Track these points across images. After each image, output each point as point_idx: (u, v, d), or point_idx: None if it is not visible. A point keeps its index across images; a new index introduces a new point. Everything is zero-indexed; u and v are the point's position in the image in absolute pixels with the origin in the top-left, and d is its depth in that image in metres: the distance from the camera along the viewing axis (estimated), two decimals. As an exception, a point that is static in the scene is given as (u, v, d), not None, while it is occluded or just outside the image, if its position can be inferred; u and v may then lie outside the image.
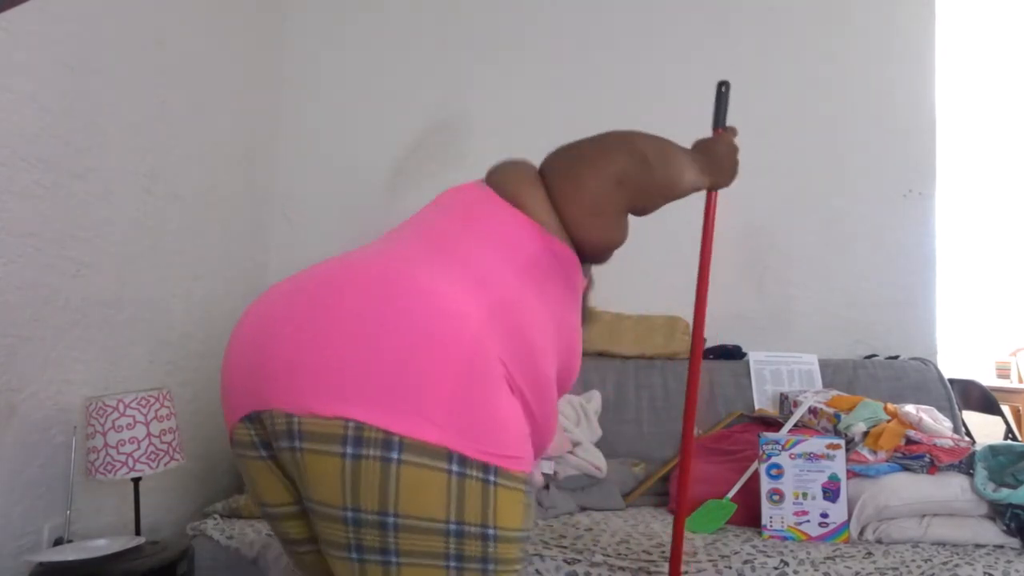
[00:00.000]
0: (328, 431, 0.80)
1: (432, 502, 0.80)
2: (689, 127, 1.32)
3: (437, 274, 0.92)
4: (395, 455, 0.79)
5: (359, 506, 0.80)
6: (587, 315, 1.25)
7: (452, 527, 0.81)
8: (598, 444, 2.18)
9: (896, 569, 1.55)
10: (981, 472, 1.78)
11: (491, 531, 0.83)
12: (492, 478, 0.83)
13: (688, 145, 1.23)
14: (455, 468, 0.81)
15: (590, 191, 1.06)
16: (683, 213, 1.45)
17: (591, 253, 1.11)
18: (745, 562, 1.56)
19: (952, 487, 1.77)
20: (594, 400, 2.30)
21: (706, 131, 1.30)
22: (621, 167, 1.06)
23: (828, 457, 1.79)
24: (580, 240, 1.07)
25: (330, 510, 0.82)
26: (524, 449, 0.89)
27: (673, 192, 1.15)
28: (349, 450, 0.80)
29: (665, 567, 1.53)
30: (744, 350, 2.53)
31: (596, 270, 1.24)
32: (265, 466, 0.92)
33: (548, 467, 2.01)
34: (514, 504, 0.86)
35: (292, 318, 0.87)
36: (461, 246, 1.00)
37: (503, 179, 1.11)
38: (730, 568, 1.55)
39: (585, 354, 1.13)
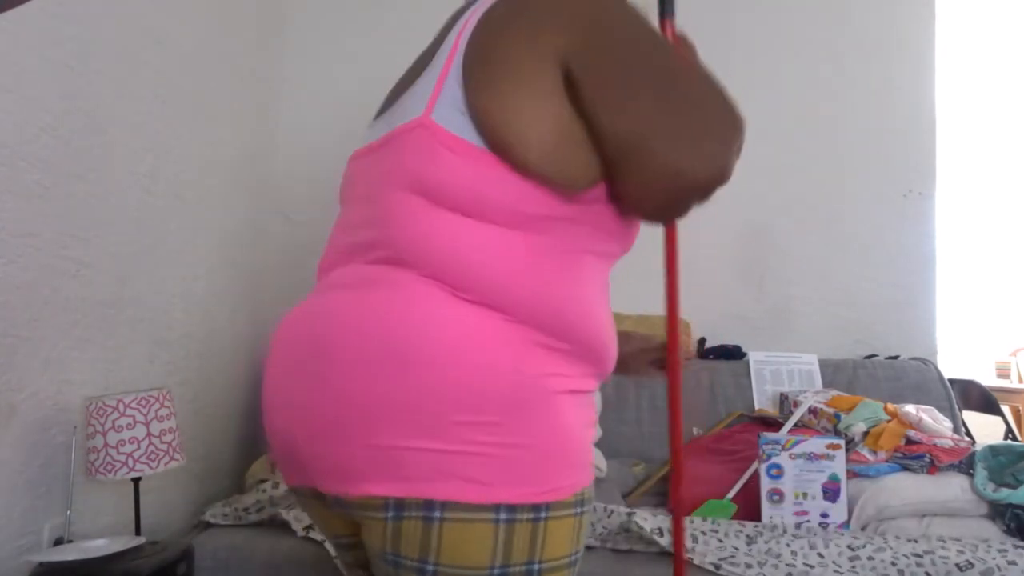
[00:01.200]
0: (368, 503, 0.79)
1: (476, 552, 0.78)
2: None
3: (442, 310, 0.80)
4: (437, 514, 0.77)
5: (399, 553, 0.79)
6: None
7: (496, 571, 0.78)
8: (598, 444, 2.17)
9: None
10: (981, 472, 1.78)
11: (536, 566, 0.80)
12: (544, 514, 0.79)
13: None
14: (503, 516, 0.77)
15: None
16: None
17: None
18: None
19: (952, 487, 1.78)
20: (595, 400, 2.30)
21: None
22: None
23: (828, 457, 1.79)
24: None
25: (374, 553, 0.82)
26: (577, 470, 0.82)
27: None
28: (391, 514, 0.78)
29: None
30: (744, 350, 2.53)
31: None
32: (326, 509, 0.90)
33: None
34: (565, 531, 0.81)
35: (298, 398, 0.83)
36: (449, 250, 0.82)
37: (490, 110, 0.81)
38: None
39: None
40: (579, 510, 0.83)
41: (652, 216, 0.89)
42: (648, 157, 0.78)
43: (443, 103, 0.83)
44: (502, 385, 0.78)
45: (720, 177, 0.80)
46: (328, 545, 1.64)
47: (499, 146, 0.80)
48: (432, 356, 0.77)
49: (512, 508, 0.78)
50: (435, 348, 0.78)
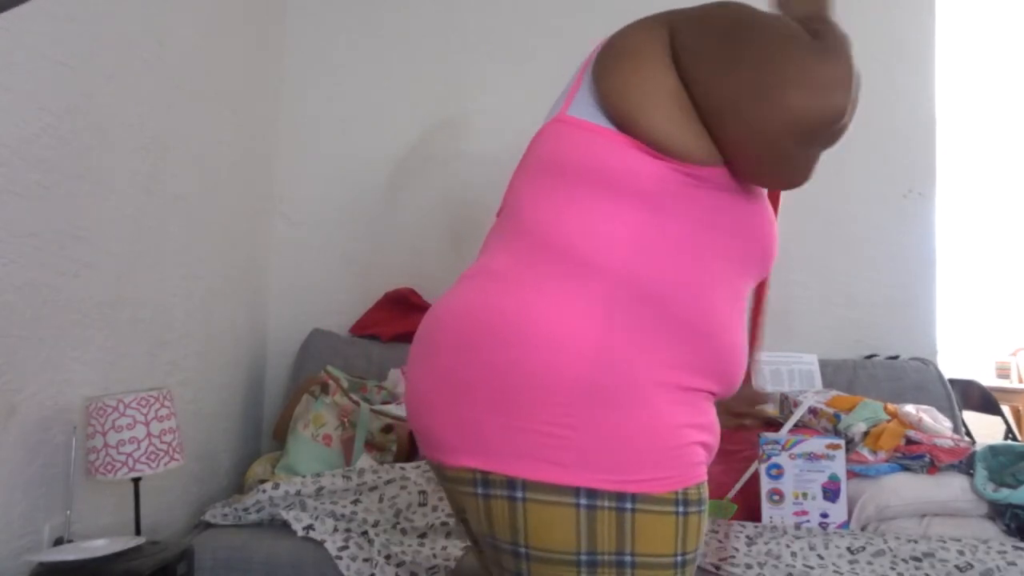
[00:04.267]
0: (461, 476, 0.85)
1: (560, 535, 0.80)
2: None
3: (532, 289, 0.84)
4: (520, 494, 0.80)
5: (495, 535, 0.84)
6: None
7: (583, 557, 0.80)
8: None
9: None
10: (981, 472, 1.79)
11: (628, 558, 0.80)
12: (629, 505, 0.79)
13: None
14: (584, 501, 0.79)
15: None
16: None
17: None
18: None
19: (952, 487, 1.78)
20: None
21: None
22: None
23: (828, 457, 1.79)
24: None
25: (479, 537, 0.87)
26: (673, 465, 0.81)
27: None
28: (480, 491, 0.83)
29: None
30: (744, 350, 2.52)
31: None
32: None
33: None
34: (659, 528, 0.80)
35: (411, 375, 0.92)
36: (554, 224, 0.87)
37: (614, 88, 0.87)
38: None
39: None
40: (682, 510, 0.81)
41: (759, 172, 0.86)
42: (731, 119, 0.81)
43: (577, 101, 0.91)
44: (586, 370, 0.79)
45: (799, 119, 0.77)
46: (328, 545, 1.64)
47: (621, 118, 0.85)
48: (520, 338, 0.81)
49: (593, 493, 0.79)
50: (524, 330, 0.81)
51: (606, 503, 0.79)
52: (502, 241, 0.92)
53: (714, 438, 0.89)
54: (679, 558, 0.82)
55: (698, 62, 0.83)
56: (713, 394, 0.90)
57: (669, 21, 0.87)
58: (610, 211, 0.85)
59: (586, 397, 0.79)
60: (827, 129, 0.79)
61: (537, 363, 0.80)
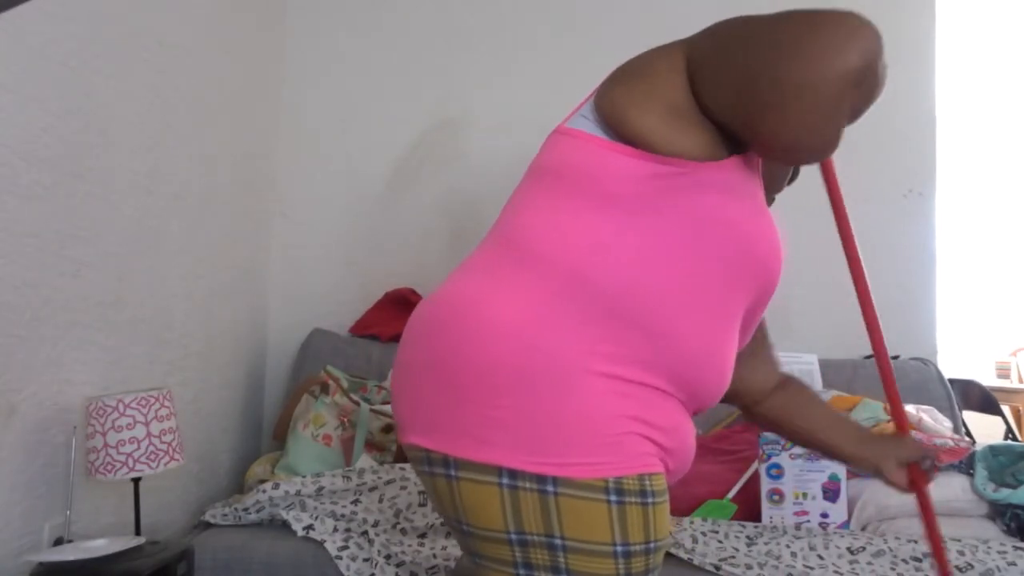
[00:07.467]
0: (414, 455, 0.90)
1: (489, 513, 0.84)
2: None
3: (485, 278, 0.90)
4: (453, 472, 0.85)
5: (445, 513, 0.89)
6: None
7: (513, 536, 0.83)
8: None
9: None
10: (981, 472, 1.79)
11: (558, 541, 0.82)
12: (551, 488, 0.81)
13: None
14: (505, 481, 0.82)
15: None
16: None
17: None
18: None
19: (952, 487, 1.78)
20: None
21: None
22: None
23: (828, 457, 1.79)
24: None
25: (441, 516, 0.93)
26: (604, 452, 0.82)
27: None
28: (426, 468, 0.88)
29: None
30: (744, 350, 2.52)
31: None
32: None
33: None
34: (588, 514, 0.81)
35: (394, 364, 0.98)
36: (520, 221, 0.92)
37: (610, 97, 0.90)
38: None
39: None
40: (614, 498, 0.81)
41: (795, 146, 0.89)
42: (762, 112, 0.82)
43: (577, 116, 0.95)
44: (515, 356, 0.83)
45: (814, 82, 0.79)
46: (328, 545, 1.64)
47: (612, 120, 0.88)
48: (460, 325, 0.87)
49: (514, 473, 0.82)
50: (465, 318, 0.87)
51: (527, 484, 0.81)
52: (485, 239, 0.98)
53: (669, 439, 0.88)
54: (619, 548, 0.82)
55: (716, 68, 0.85)
56: (679, 399, 0.91)
57: (683, 46, 0.90)
58: (573, 211, 0.88)
59: (514, 382, 0.83)
60: (865, 74, 0.82)
61: (472, 348, 0.85)
